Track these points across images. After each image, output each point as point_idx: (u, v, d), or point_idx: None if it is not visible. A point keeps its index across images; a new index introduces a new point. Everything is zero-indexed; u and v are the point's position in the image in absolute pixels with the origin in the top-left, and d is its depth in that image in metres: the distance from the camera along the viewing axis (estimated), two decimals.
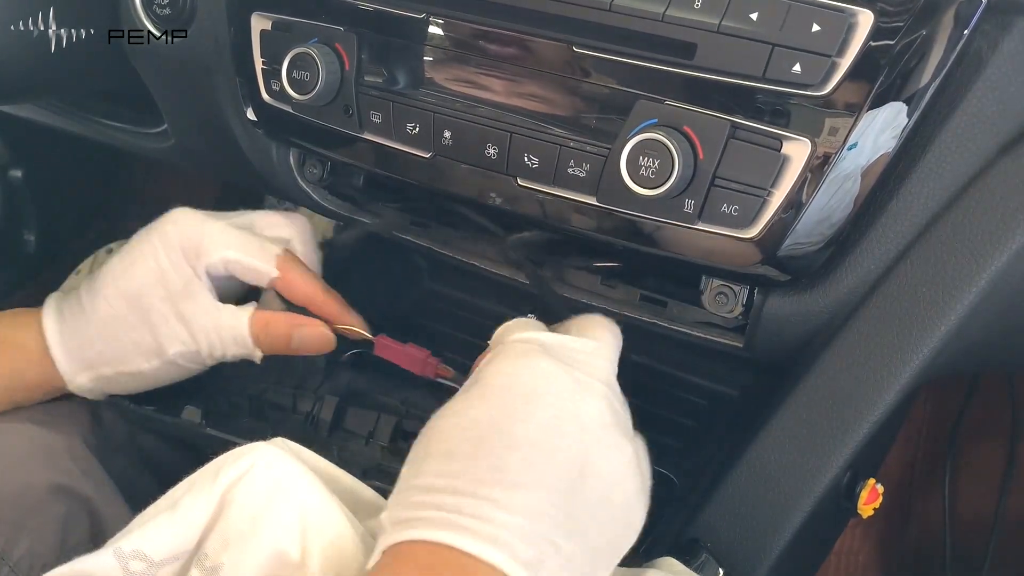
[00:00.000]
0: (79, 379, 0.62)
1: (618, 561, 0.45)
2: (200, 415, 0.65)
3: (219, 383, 0.68)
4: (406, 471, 0.44)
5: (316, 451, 0.53)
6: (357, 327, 0.64)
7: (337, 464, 0.54)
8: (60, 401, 0.65)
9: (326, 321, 0.63)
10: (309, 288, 0.63)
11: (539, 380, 0.46)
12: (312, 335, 0.62)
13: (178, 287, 0.60)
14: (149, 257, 0.61)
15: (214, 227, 0.62)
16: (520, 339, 0.49)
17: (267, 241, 0.63)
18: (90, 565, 0.45)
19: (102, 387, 0.64)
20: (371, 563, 0.41)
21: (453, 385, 0.63)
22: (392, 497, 0.43)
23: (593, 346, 0.49)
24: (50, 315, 0.62)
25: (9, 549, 0.56)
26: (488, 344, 0.52)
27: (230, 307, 0.61)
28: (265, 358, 0.63)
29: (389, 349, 0.64)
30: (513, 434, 0.43)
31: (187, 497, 0.48)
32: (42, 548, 0.57)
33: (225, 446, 0.52)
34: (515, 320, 0.53)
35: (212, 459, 0.50)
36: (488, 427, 0.43)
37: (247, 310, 0.61)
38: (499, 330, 0.52)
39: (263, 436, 0.53)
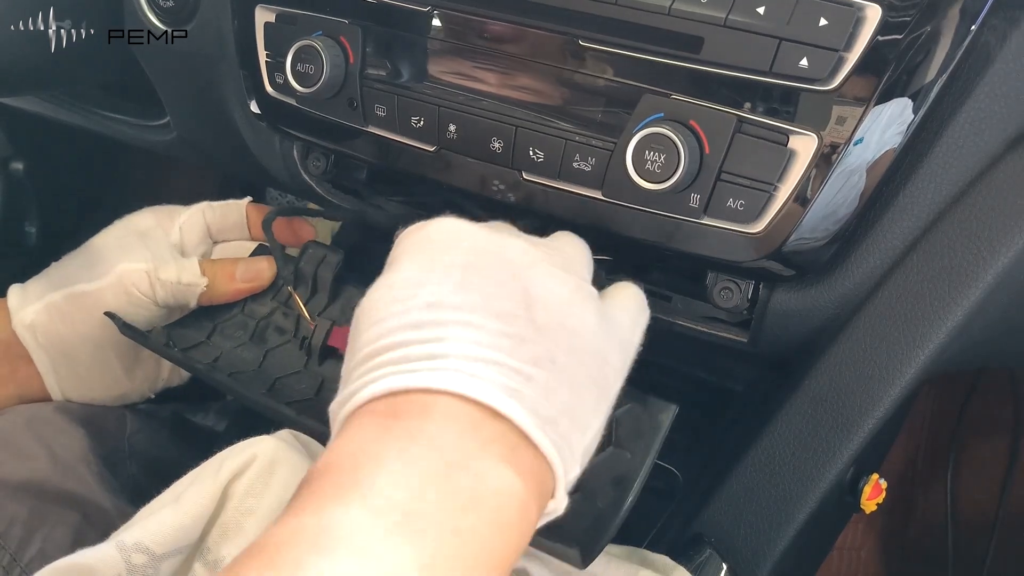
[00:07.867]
0: (25, 311, 0.64)
1: (608, 404, 0.42)
2: (166, 335, 0.64)
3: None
4: (345, 361, 0.41)
5: (303, 378, 0.57)
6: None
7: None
8: (78, 407, 0.65)
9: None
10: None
11: (448, 232, 0.43)
12: (255, 264, 0.68)
13: (133, 235, 0.67)
14: (113, 227, 0.69)
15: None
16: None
17: None
18: (93, 558, 0.45)
19: (47, 323, 0.64)
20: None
21: None
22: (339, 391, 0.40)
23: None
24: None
25: (21, 551, 0.55)
26: None
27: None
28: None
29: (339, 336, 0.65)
30: (436, 280, 0.40)
31: (190, 490, 0.48)
32: (54, 551, 0.56)
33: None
34: None
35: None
36: (409, 284, 0.41)
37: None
38: None
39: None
